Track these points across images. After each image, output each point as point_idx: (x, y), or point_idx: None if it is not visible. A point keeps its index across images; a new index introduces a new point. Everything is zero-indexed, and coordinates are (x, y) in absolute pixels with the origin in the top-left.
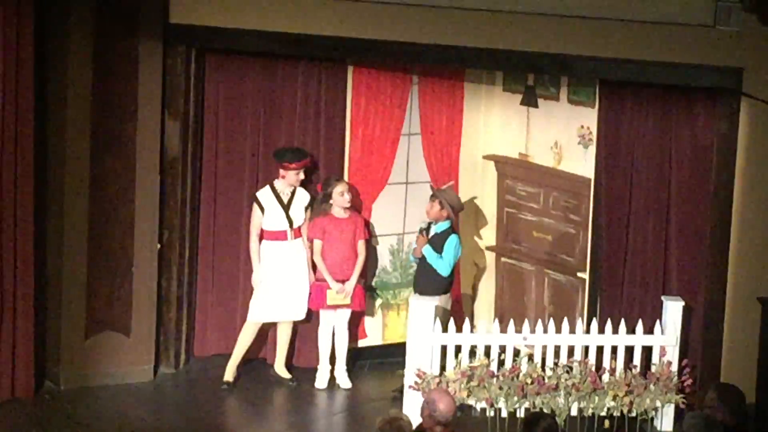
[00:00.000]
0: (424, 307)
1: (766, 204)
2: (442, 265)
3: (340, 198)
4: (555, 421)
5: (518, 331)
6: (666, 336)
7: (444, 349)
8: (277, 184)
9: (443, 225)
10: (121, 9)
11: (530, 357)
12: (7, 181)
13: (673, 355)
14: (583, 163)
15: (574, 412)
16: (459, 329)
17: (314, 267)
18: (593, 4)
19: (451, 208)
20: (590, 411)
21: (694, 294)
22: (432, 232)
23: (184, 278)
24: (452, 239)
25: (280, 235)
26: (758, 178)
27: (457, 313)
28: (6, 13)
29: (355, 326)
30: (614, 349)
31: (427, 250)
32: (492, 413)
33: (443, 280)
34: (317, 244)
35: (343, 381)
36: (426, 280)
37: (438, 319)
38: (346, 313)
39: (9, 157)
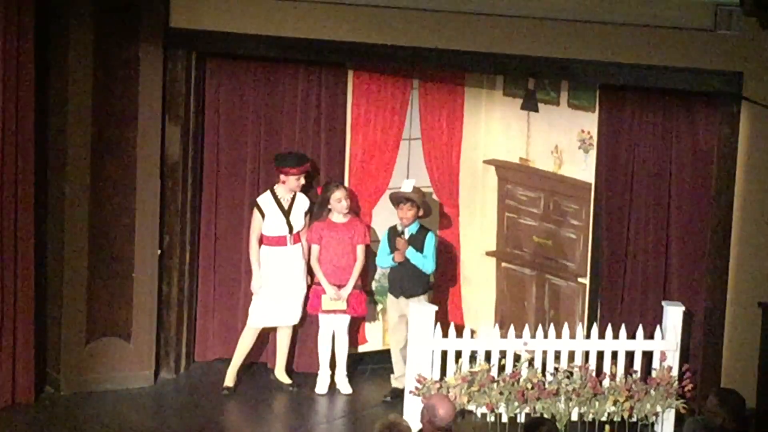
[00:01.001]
0: (425, 312)
1: (767, 209)
2: (428, 264)
3: (337, 205)
4: (555, 427)
5: (519, 336)
6: (666, 341)
7: (444, 354)
8: (278, 189)
9: (416, 225)
10: (121, 14)
11: (531, 362)
12: (8, 187)
13: (673, 360)
14: (583, 168)
15: (574, 418)
16: (459, 334)
17: (312, 271)
18: (593, 9)
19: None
20: (591, 416)
21: (695, 299)
22: (407, 234)
23: (184, 283)
24: (431, 236)
25: (279, 241)
26: (759, 183)
27: (458, 317)
28: (6, 19)
29: (355, 331)
30: (614, 354)
31: (411, 252)
32: (492, 418)
33: (427, 279)
34: (314, 248)
35: (344, 386)
36: (412, 282)
37: (438, 324)
38: (345, 319)
39: (10, 163)
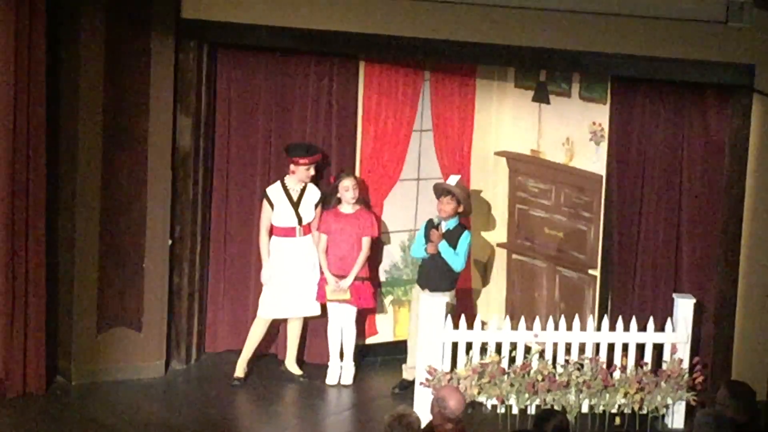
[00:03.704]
0: (435, 303)
1: None
2: (458, 261)
3: (345, 193)
4: (566, 418)
5: (529, 328)
6: (677, 333)
7: (455, 345)
8: (288, 180)
9: (454, 221)
10: (132, 4)
11: (541, 354)
12: (20, 178)
13: (684, 352)
14: (594, 160)
15: (585, 409)
16: (470, 326)
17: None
18: (605, 1)
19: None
20: (601, 408)
21: (706, 291)
22: (444, 228)
23: (195, 274)
24: (467, 234)
25: (289, 232)
26: None
27: (469, 309)
28: (18, 11)
29: (365, 323)
30: (625, 347)
31: (444, 246)
32: (503, 410)
33: (455, 276)
34: (323, 238)
35: (346, 377)
36: (439, 277)
37: (450, 316)
38: (352, 310)
39: (21, 154)
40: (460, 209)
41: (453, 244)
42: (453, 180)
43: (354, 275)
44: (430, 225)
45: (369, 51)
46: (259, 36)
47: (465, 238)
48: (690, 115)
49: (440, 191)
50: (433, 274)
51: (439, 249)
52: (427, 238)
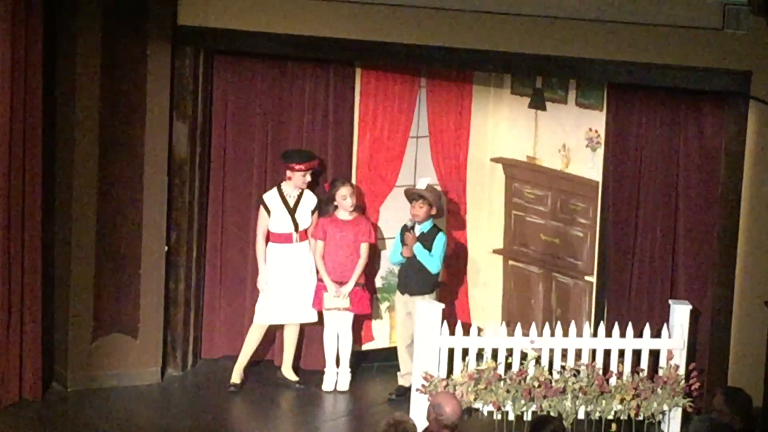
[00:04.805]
0: (431, 310)
1: None
2: (433, 263)
3: (343, 201)
4: (562, 425)
5: (525, 334)
6: (673, 340)
7: (451, 351)
8: (284, 186)
9: (428, 224)
10: (129, 10)
11: (537, 360)
12: (16, 184)
13: (680, 358)
14: (591, 166)
15: (581, 416)
16: (466, 332)
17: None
18: (602, 7)
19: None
20: (597, 414)
21: (702, 297)
22: (418, 232)
23: (191, 280)
24: (441, 237)
25: (285, 238)
26: (766, 182)
27: (464, 315)
28: (15, 15)
29: (361, 329)
30: (621, 353)
31: (418, 249)
32: (499, 416)
33: (433, 279)
34: (319, 244)
35: (343, 383)
36: (417, 280)
37: (445, 322)
38: (349, 316)
39: (17, 160)
40: (433, 212)
41: (428, 247)
42: (423, 183)
43: (354, 282)
44: (405, 230)
45: (365, 58)
46: (255, 43)
47: (439, 240)
48: (686, 121)
49: (411, 196)
50: (412, 277)
51: (414, 252)
52: (404, 243)
